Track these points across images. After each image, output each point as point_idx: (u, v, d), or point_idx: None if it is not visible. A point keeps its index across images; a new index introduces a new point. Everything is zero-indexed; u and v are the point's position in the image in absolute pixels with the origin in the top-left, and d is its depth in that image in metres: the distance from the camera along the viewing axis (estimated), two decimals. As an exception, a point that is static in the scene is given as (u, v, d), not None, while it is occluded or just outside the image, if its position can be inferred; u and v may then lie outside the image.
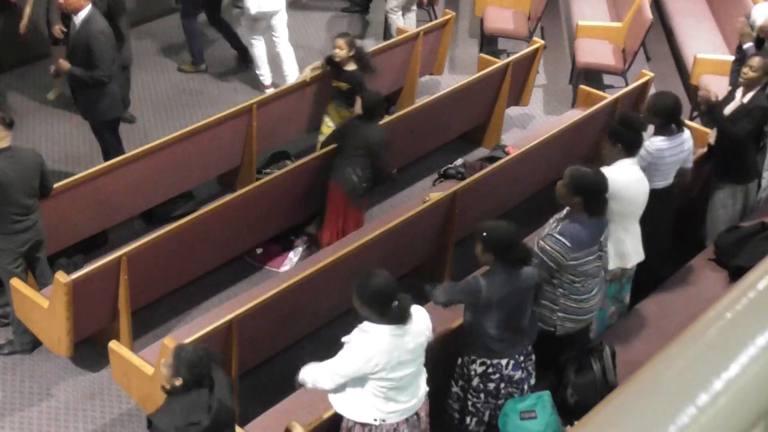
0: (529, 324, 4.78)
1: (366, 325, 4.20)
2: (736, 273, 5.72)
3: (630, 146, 5.25)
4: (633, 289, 5.68)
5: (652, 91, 7.63)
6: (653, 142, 5.58)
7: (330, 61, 6.93)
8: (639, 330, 5.49)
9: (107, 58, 6.54)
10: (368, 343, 4.15)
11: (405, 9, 9.04)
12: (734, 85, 7.08)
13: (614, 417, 1.75)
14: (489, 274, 4.60)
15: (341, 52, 6.74)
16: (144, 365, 4.98)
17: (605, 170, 5.07)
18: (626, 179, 5.18)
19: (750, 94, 5.99)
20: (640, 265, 5.51)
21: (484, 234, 4.55)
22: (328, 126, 6.96)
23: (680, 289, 5.83)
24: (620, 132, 5.27)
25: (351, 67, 6.79)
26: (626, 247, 5.32)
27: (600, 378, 4.99)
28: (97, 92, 6.65)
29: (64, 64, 6.61)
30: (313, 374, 4.35)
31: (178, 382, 3.96)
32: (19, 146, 5.64)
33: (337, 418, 4.44)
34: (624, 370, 5.01)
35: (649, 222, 5.43)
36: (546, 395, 4.80)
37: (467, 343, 4.76)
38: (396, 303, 4.14)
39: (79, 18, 6.49)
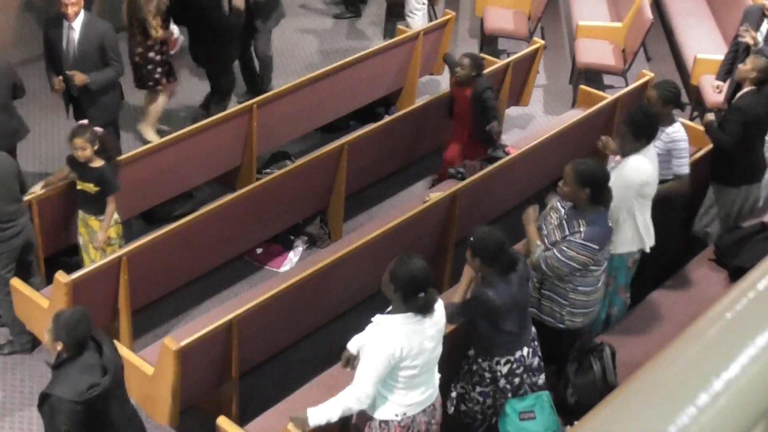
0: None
1: (378, 318, 4.19)
2: (736, 273, 5.72)
3: (652, 135, 5.30)
4: (641, 281, 5.69)
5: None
6: (674, 130, 5.66)
7: (73, 162, 5.77)
8: (639, 330, 5.48)
9: (119, 51, 6.65)
10: (386, 335, 4.11)
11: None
12: (722, 79, 7.14)
13: (614, 417, 1.75)
14: (489, 284, 4.56)
15: (85, 152, 5.59)
16: (144, 365, 4.98)
17: (632, 160, 5.16)
18: (652, 166, 5.25)
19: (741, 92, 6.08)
20: (649, 256, 5.52)
21: (472, 239, 4.56)
22: (85, 250, 5.94)
23: (680, 289, 5.83)
24: (641, 122, 5.27)
25: (97, 163, 5.70)
26: (650, 230, 5.38)
27: (600, 378, 4.98)
28: (109, 91, 6.65)
29: (81, 76, 6.42)
30: (337, 408, 4.18)
31: (59, 346, 3.99)
32: None
33: (346, 418, 4.38)
34: (624, 370, 5.01)
35: (662, 214, 5.49)
36: (545, 395, 4.80)
37: (489, 346, 4.70)
38: (423, 294, 4.12)
39: (78, 23, 6.44)
